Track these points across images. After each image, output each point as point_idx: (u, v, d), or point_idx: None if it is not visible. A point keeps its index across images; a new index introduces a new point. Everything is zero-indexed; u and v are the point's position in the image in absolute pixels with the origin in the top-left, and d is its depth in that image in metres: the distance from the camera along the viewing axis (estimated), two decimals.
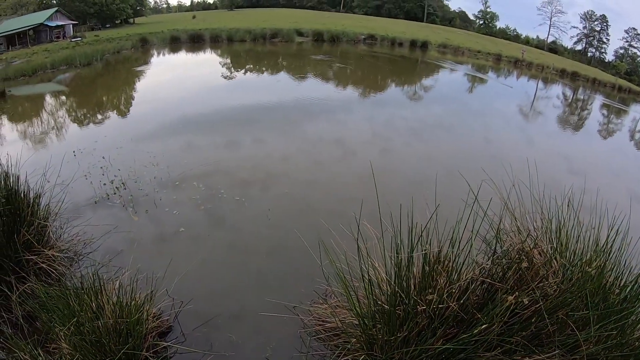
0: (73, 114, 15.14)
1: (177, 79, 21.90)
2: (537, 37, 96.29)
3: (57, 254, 5.02)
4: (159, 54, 33.70)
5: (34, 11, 48.84)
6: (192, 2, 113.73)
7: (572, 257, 3.74)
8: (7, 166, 5.03)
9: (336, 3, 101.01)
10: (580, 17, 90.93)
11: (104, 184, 7.80)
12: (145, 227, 6.52)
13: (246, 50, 36.02)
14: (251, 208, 7.23)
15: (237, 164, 9.27)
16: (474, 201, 3.52)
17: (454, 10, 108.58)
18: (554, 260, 3.67)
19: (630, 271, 3.60)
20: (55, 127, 12.80)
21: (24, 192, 5.11)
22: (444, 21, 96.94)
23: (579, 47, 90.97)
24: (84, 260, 5.41)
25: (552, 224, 4.06)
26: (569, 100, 28.73)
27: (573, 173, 10.14)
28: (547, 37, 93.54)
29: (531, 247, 3.70)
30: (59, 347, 3.73)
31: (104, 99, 17.78)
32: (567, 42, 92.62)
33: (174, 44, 38.10)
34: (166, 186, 7.87)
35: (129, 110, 15.37)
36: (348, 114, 14.97)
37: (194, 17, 68.15)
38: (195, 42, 39.00)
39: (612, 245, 3.64)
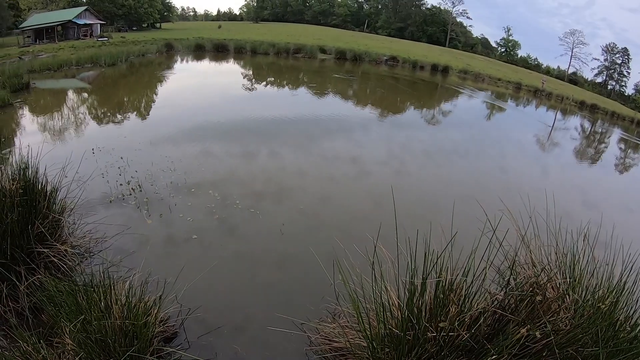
0: (94, 112, 15.33)
1: (198, 86, 22.12)
2: (558, 67, 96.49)
3: (69, 249, 5.03)
4: (182, 60, 34.10)
5: (64, 8, 49.91)
6: (218, 11, 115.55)
7: (584, 292, 3.67)
8: (27, 158, 5.04)
9: (360, 23, 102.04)
10: (602, 49, 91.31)
11: (120, 184, 7.85)
12: (158, 231, 6.52)
13: (269, 63, 36.32)
14: (265, 221, 7.21)
15: (254, 175, 9.30)
16: (492, 233, 3.48)
17: (477, 36, 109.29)
18: (567, 295, 3.61)
19: None
20: (75, 123, 12.96)
21: (42, 184, 5.13)
22: (466, 47, 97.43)
23: (599, 80, 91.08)
24: (95, 257, 5.41)
25: (566, 259, 4.01)
26: (587, 133, 28.53)
27: (588, 207, 10.04)
28: (568, 68, 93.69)
29: (545, 281, 3.65)
30: (62, 342, 3.72)
31: (125, 99, 17.98)
32: (588, 74, 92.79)
33: (199, 51, 38.57)
34: (182, 192, 7.89)
35: (149, 113, 15.51)
36: (365, 133, 14.98)
37: (219, 26, 69.09)
38: (219, 51, 39.48)
39: (625, 282, 3.58)
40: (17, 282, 4.43)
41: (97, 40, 41.36)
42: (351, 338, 4.01)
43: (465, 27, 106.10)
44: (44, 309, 4.19)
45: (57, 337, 3.85)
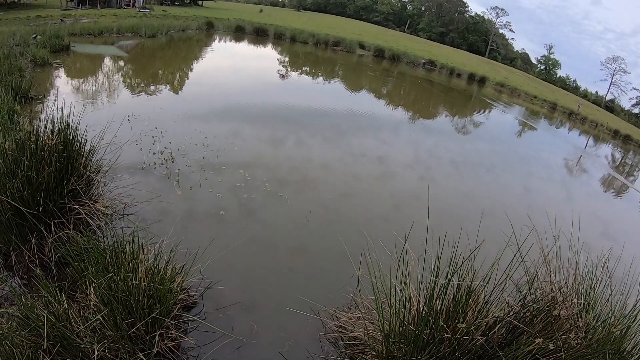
0: (131, 80, 15.50)
1: (235, 68, 22.21)
2: (596, 92, 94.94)
3: (101, 208, 5.15)
4: (221, 40, 34.27)
5: None
6: None
7: (597, 317, 3.73)
8: (68, 116, 5.15)
9: (402, 22, 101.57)
10: None
11: (154, 153, 7.98)
12: (187, 203, 6.63)
13: (306, 53, 36.30)
14: (292, 206, 7.27)
15: (284, 161, 9.37)
16: (515, 246, 3.55)
17: (517, 50, 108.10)
18: (580, 316, 3.64)
19: None
20: (112, 90, 13.10)
21: (80, 144, 5.25)
22: (505, 60, 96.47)
23: (636, 110, 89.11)
24: (123, 220, 5.54)
25: (584, 282, 4.01)
26: (617, 163, 27.95)
27: (610, 237, 9.85)
28: (606, 95, 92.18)
29: (561, 299, 3.68)
30: (85, 297, 3.81)
31: (162, 72, 18.16)
32: (625, 103, 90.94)
33: (238, 33, 38.72)
34: (213, 168, 7.99)
35: (185, 88, 15.65)
36: (394, 134, 14.94)
37: (261, 10, 69.35)
38: (259, 35, 39.59)
39: (638, 313, 3.59)
40: (46, 234, 4.55)
41: (139, 11, 41.83)
42: (366, 329, 4.06)
43: (506, 40, 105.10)
44: (69, 264, 4.28)
45: (80, 292, 3.95)
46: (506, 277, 3.46)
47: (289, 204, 7.32)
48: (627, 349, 3.50)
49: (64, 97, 9.89)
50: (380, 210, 8.06)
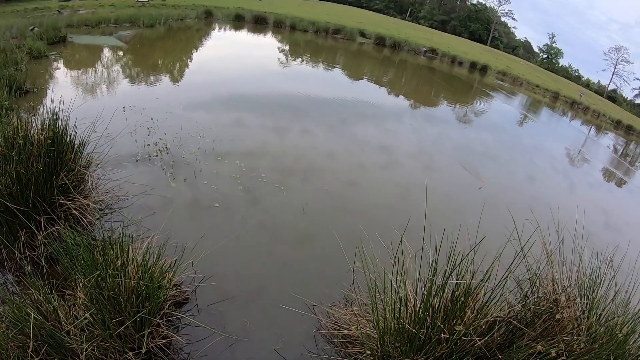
0: (128, 71, 15.34)
1: (234, 56, 22.01)
2: (599, 82, 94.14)
3: (91, 204, 5.06)
4: (220, 28, 34.01)
5: None
6: None
7: (600, 317, 3.59)
8: (59, 109, 5.04)
9: (403, 10, 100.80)
10: None
11: (148, 145, 7.85)
12: (181, 195, 6.52)
13: (307, 41, 36.03)
14: (289, 198, 7.16)
15: (282, 151, 9.23)
16: (517, 242, 3.43)
17: (520, 39, 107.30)
18: (583, 318, 3.52)
19: None
20: (109, 80, 12.96)
21: (70, 137, 5.14)
22: (507, 48, 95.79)
23: (638, 101, 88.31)
24: (115, 214, 5.45)
25: (587, 280, 3.88)
26: (619, 154, 27.74)
27: (614, 231, 9.70)
28: (609, 85, 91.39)
29: (564, 300, 3.56)
30: (74, 295, 3.72)
31: (160, 62, 18.00)
32: (628, 93, 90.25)
33: (237, 21, 38.39)
34: (209, 159, 7.86)
35: (182, 78, 15.50)
36: (398, 123, 14.77)
37: None
38: (258, 23, 39.19)
39: None
40: (36, 231, 4.46)
41: (138, 1, 41.51)
42: (361, 327, 3.96)
43: (509, 28, 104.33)
44: (59, 261, 4.20)
45: (70, 290, 3.86)
46: (507, 275, 3.34)
47: (285, 194, 7.22)
48: (631, 352, 3.39)
49: (58, 90, 9.83)
50: (384, 200, 7.97)
